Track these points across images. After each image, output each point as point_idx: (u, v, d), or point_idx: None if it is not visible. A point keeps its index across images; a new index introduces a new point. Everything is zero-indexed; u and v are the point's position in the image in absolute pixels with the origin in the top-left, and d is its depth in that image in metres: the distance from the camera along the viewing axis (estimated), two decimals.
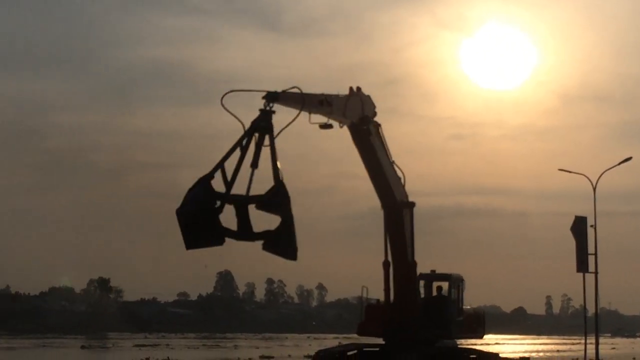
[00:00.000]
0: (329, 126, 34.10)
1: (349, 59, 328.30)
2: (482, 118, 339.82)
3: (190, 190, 27.29)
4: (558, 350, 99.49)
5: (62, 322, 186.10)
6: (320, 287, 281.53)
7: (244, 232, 27.98)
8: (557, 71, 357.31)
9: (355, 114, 36.03)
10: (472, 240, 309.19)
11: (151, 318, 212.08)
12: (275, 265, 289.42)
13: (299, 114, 29.70)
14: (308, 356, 46.05)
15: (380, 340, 40.52)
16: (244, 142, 28.17)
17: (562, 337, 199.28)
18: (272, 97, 29.57)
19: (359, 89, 36.63)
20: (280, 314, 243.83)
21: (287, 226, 27.40)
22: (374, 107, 37.76)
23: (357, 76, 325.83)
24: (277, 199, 27.30)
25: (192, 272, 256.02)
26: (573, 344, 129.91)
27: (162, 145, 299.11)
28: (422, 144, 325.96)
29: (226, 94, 28.73)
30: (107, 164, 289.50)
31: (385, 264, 39.18)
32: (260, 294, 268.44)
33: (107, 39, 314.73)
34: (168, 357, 67.27)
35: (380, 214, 39.39)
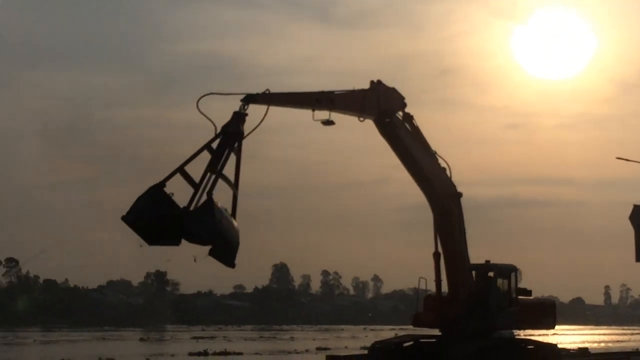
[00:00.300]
0: (331, 122, 35.01)
1: (401, 49, 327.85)
2: (537, 107, 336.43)
3: (139, 197, 29.06)
4: (618, 341, 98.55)
5: (119, 315, 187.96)
6: (376, 279, 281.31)
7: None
8: (614, 58, 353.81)
9: (373, 108, 36.84)
10: (528, 230, 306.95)
11: (207, 311, 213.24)
12: (331, 258, 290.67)
13: (266, 113, 31.51)
14: (365, 348, 46.02)
15: (437, 332, 40.48)
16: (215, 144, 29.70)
17: (621, 327, 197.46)
18: (249, 99, 31.35)
19: (379, 82, 37.38)
20: (335, 305, 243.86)
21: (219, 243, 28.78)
22: (402, 98, 38.32)
23: (410, 66, 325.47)
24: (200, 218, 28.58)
25: (248, 265, 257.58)
26: (633, 334, 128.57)
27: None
28: (477, 134, 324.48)
29: (202, 97, 30.46)
30: (160, 157, 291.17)
31: (435, 255, 39.22)
32: (315, 286, 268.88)
33: (159, 34, 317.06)
34: (225, 349, 67.61)
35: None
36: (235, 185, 29.47)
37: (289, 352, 67.15)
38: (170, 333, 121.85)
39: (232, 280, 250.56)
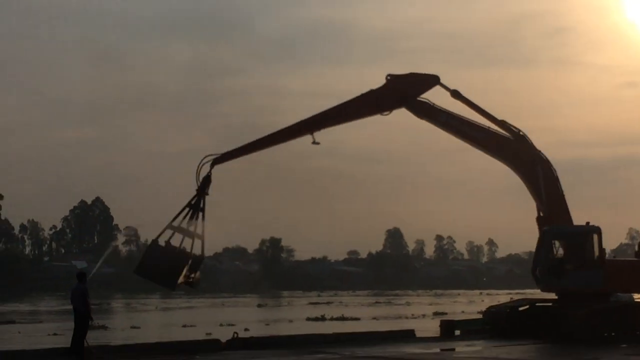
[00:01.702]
0: (316, 143, 37.97)
1: (514, 9, 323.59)
2: None
3: (144, 254, 36.79)
4: None
5: (235, 282, 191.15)
6: (491, 243, 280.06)
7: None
8: None
9: (392, 100, 38.35)
10: None
11: (322, 276, 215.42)
12: (445, 222, 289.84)
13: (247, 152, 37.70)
14: (481, 312, 46.36)
15: (554, 296, 40.56)
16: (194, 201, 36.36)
17: None
18: (218, 161, 36.83)
19: (391, 75, 38.62)
20: (450, 270, 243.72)
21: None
22: (427, 78, 39.21)
23: (522, 26, 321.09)
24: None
25: (362, 230, 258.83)
26: None
27: (325, 104, 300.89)
28: (593, 94, 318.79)
29: (202, 160, 36.51)
30: (275, 126, 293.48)
31: (540, 219, 39.28)
32: (429, 250, 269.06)
33: (271, 1, 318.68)
34: (342, 315, 68.52)
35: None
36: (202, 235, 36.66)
37: (406, 317, 67.73)
38: (287, 299, 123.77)
39: (346, 246, 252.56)
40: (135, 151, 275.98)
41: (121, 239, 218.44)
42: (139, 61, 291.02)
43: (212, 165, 36.73)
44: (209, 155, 36.60)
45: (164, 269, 35.77)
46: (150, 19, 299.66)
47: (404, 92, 38.79)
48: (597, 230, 39.25)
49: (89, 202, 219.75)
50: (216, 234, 38.22)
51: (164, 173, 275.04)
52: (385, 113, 38.79)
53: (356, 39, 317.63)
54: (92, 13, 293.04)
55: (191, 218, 36.07)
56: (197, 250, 36.69)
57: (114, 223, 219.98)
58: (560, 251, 39.64)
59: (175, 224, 36.28)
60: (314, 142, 37.90)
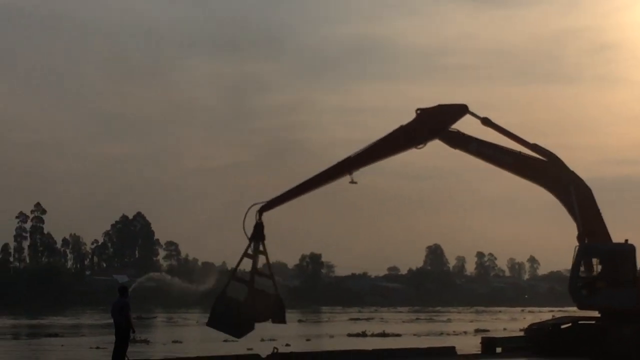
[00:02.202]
0: (354, 182, 39.31)
1: (556, 25, 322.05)
2: None
3: (212, 306, 38.11)
4: None
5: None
6: (532, 260, 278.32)
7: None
8: None
9: (423, 133, 39.29)
10: None
11: (362, 292, 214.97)
12: (486, 239, 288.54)
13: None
14: (523, 329, 46.02)
15: (597, 314, 40.21)
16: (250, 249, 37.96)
17: None
18: (264, 209, 38.08)
19: (420, 109, 39.43)
20: (491, 287, 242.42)
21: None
22: (455, 108, 39.82)
23: (565, 43, 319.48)
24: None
25: (402, 246, 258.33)
26: None
27: (364, 120, 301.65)
28: (637, 111, 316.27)
29: (249, 208, 37.92)
30: (314, 141, 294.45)
31: (579, 237, 39.11)
32: (470, 267, 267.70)
33: (310, 17, 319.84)
34: (384, 331, 68.30)
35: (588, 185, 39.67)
36: (270, 274, 38.70)
37: (447, 334, 67.41)
38: (327, 314, 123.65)
39: (387, 262, 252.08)
40: (176, 166, 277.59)
41: (162, 253, 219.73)
42: (183, 77, 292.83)
43: (259, 214, 38.21)
44: (254, 204, 38.11)
45: (229, 319, 37.63)
46: (195, 36, 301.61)
47: (435, 124, 39.63)
48: (631, 248, 39.00)
49: (131, 217, 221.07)
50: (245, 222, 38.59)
51: (205, 188, 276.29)
52: (420, 146, 39.74)
53: (397, 56, 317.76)
54: (139, 29, 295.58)
55: (254, 268, 38.05)
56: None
57: (155, 238, 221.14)
58: (596, 269, 39.47)
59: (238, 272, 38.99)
60: (352, 182, 39.25)
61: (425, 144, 39.70)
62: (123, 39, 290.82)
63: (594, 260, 39.49)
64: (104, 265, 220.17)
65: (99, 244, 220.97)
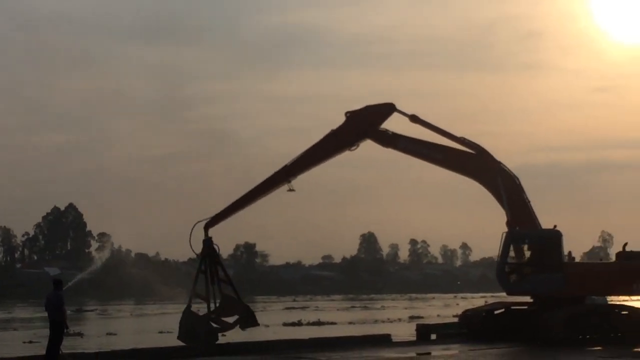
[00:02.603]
0: (292, 190, 39.87)
1: (484, 14, 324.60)
2: (626, 69, 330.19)
3: (179, 321, 38.03)
4: None
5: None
6: (464, 247, 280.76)
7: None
8: None
9: (351, 136, 40.02)
10: (621, 195, 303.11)
11: (296, 281, 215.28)
12: (419, 226, 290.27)
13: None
14: (456, 315, 46.48)
15: (529, 299, 40.77)
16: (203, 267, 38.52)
17: None
18: (209, 225, 38.66)
19: (349, 112, 40.24)
20: (424, 274, 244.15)
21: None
22: (382, 108, 40.59)
23: (495, 31, 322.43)
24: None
25: (336, 235, 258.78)
26: None
27: (298, 109, 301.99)
28: (564, 98, 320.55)
29: (193, 227, 38.40)
30: (252, 130, 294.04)
31: (508, 224, 39.71)
32: (403, 255, 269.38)
33: (246, 6, 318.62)
34: (319, 319, 68.51)
35: (519, 173, 40.42)
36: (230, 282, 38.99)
37: (382, 321, 67.78)
38: (262, 304, 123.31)
39: (321, 251, 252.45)
40: (108, 157, 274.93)
41: (94, 245, 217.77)
42: (114, 67, 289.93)
43: (205, 230, 38.81)
44: (199, 222, 38.61)
45: (192, 331, 37.71)
46: (130, 24, 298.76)
47: (364, 125, 40.30)
48: (558, 234, 39.65)
49: (62, 208, 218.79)
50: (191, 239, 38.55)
51: (137, 179, 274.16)
52: (353, 148, 40.49)
53: (330, 44, 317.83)
54: (69, 18, 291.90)
55: (212, 283, 38.32)
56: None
57: (87, 229, 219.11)
58: (524, 255, 40.14)
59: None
60: (290, 190, 39.80)
61: (357, 145, 40.44)
62: (51, 29, 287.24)
63: (522, 247, 40.09)
64: (35, 258, 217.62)
65: (30, 236, 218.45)
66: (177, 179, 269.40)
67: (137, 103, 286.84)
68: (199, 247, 38.71)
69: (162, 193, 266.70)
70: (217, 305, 38.26)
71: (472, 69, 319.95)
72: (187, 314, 38.02)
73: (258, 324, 39.37)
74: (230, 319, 38.32)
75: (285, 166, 39.88)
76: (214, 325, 38.16)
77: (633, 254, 39.86)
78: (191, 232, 38.29)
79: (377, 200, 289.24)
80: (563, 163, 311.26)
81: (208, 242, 38.61)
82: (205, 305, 38.35)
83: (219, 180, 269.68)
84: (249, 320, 38.19)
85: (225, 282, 38.72)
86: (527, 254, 40.13)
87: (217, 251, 39.00)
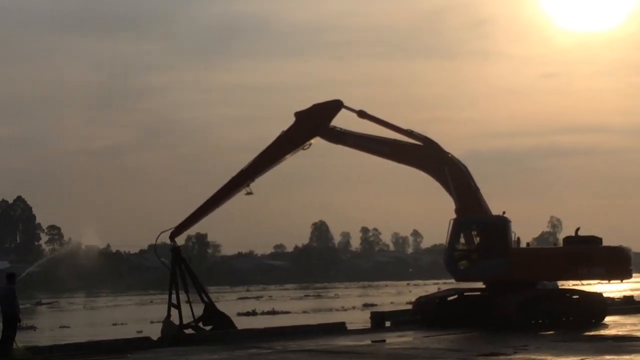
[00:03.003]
0: (250, 193, 40.24)
1: (434, 1, 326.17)
2: (573, 56, 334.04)
3: (161, 330, 38.03)
4: None
5: (162, 279, 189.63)
6: (416, 234, 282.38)
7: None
8: None
9: (301, 135, 40.48)
10: (569, 180, 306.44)
11: (248, 271, 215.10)
12: (370, 214, 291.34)
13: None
14: (410, 302, 46.77)
15: (481, 285, 41.15)
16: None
17: None
18: (174, 234, 39.28)
19: (297, 112, 40.68)
20: (376, 262, 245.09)
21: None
22: (329, 106, 40.90)
23: (443, 18, 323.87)
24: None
25: (288, 224, 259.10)
26: None
27: (248, 98, 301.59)
28: (513, 84, 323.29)
29: (157, 236, 39.08)
30: (197, 120, 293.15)
31: (456, 212, 40.11)
32: (355, 243, 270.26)
33: None
34: (273, 309, 68.59)
35: (469, 159, 40.93)
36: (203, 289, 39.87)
37: (337, 310, 68.00)
38: (215, 294, 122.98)
39: (273, 240, 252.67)
40: (56, 148, 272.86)
41: (44, 238, 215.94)
42: (57, 58, 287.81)
43: (171, 239, 39.42)
44: (163, 231, 39.40)
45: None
46: (71, 14, 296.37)
47: (313, 124, 40.71)
48: (506, 221, 40.05)
49: (11, 201, 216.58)
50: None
51: (86, 170, 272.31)
52: (306, 147, 40.99)
53: (280, 33, 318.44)
54: (9, 9, 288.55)
55: (186, 292, 38.99)
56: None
57: (36, 222, 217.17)
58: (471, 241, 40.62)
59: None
60: (248, 193, 40.18)
61: (310, 144, 40.95)
62: None
63: (471, 233, 40.46)
64: None
65: None
66: (123, 170, 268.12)
67: (86, 95, 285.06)
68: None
69: (109, 185, 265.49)
70: (202, 313, 39.18)
71: (421, 56, 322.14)
72: (167, 324, 38.47)
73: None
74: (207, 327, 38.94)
75: (243, 170, 40.22)
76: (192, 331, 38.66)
77: (577, 239, 40.29)
78: (155, 241, 39.11)
79: (328, 188, 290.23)
80: (511, 149, 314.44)
81: (176, 251, 39.15)
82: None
83: (165, 171, 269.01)
84: (228, 328, 38.73)
85: (201, 291, 39.31)
86: (477, 240, 40.50)
87: (188, 260, 39.74)
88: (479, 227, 40.30)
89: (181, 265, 39.13)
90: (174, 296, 38.87)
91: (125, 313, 73.83)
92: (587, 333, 35.64)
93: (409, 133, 40.88)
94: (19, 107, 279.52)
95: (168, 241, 39.36)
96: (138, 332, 43.10)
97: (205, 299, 39.31)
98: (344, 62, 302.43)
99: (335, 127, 41.12)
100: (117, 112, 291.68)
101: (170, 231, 39.29)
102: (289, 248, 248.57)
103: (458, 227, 40.06)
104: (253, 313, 64.88)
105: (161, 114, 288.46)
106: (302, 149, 41.00)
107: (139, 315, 66.39)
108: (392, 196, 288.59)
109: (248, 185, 40.12)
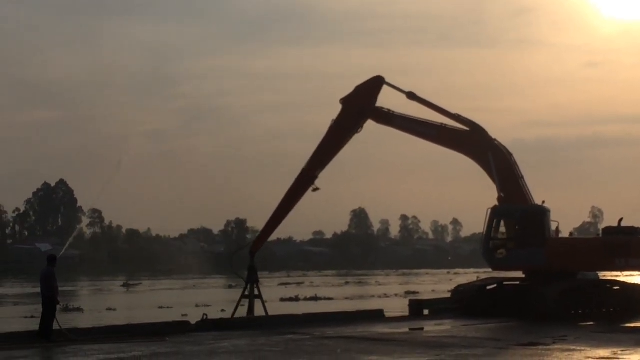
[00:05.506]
0: (317, 189, 40.48)
1: None
2: (617, 45, 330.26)
3: None
4: None
5: (201, 263, 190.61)
6: (455, 222, 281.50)
7: None
8: None
9: (352, 120, 40.44)
10: (611, 170, 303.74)
11: (288, 257, 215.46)
12: (410, 202, 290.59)
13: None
14: (450, 291, 46.68)
15: (521, 275, 40.97)
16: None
17: None
18: (254, 249, 41.02)
19: (342, 98, 40.53)
20: (415, 250, 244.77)
21: None
22: (369, 86, 40.70)
23: (486, 7, 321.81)
24: None
25: (327, 211, 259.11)
26: None
27: (289, 85, 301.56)
28: (556, 74, 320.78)
29: (234, 253, 41.89)
30: (238, 106, 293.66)
31: (499, 200, 39.85)
32: (394, 230, 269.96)
33: None
34: (316, 295, 68.73)
35: (511, 149, 40.61)
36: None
37: (379, 297, 67.98)
38: None
39: (312, 227, 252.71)
40: (100, 133, 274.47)
41: (85, 221, 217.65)
42: (105, 43, 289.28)
43: (251, 255, 40.47)
44: (240, 249, 42.65)
45: None
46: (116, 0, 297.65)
47: (359, 107, 40.56)
48: (544, 210, 39.91)
49: (53, 184, 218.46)
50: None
51: (127, 155, 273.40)
52: (359, 131, 40.92)
53: (321, 20, 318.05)
54: None
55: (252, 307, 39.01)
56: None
57: (78, 205, 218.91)
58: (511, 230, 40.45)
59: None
60: (315, 189, 40.40)
61: (362, 128, 40.87)
62: (45, 3, 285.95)
63: (509, 222, 40.25)
64: (26, 234, 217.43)
65: (21, 212, 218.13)
66: (166, 155, 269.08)
67: (129, 79, 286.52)
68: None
69: (152, 170, 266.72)
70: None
71: (463, 44, 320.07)
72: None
73: None
74: None
75: (304, 169, 40.34)
76: None
77: (616, 229, 39.94)
78: (232, 257, 42.15)
79: (368, 176, 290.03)
80: (554, 138, 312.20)
81: (252, 270, 39.53)
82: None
83: (206, 156, 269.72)
84: None
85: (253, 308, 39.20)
86: (514, 229, 40.28)
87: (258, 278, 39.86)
88: (515, 216, 40.11)
89: (253, 284, 39.25)
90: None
91: (171, 297, 74.30)
92: (627, 325, 35.43)
93: (456, 117, 40.72)
94: (62, 91, 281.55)
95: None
96: (183, 315, 43.44)
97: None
98: (385, 50, 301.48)
99: (382, 107, 41.01)
100: (160, 97, 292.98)
101: (249, 248, 40.96)
102: (328, 235, 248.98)
103: (495, 215, 39.92)
104: (296, 299, 65.05)
105: (202, 100, 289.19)
106: (357, 133, 40.91)
107: (184, 299, 66.92)
108: (432, 184, 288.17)
109: (313, 182, 40.27)
